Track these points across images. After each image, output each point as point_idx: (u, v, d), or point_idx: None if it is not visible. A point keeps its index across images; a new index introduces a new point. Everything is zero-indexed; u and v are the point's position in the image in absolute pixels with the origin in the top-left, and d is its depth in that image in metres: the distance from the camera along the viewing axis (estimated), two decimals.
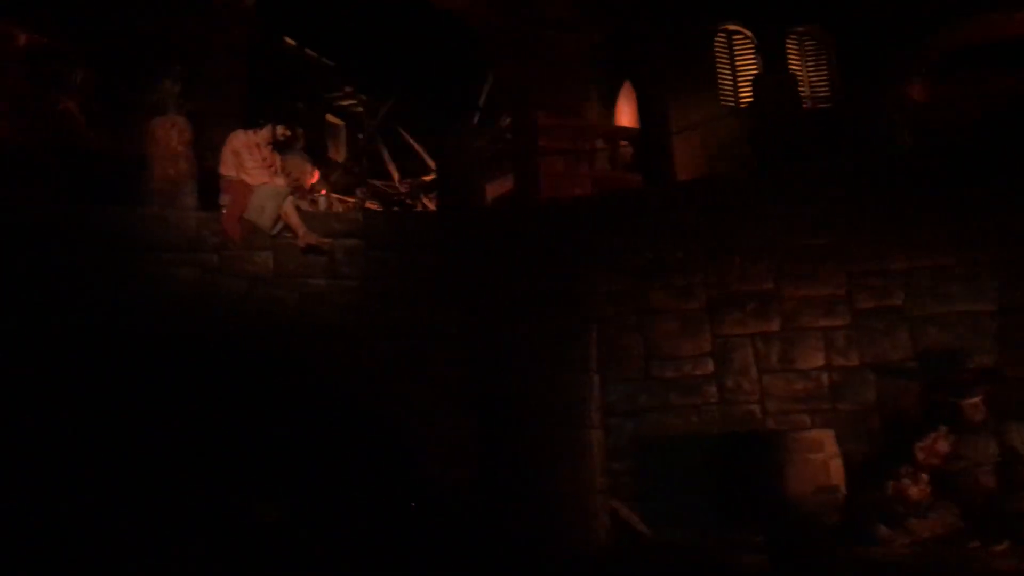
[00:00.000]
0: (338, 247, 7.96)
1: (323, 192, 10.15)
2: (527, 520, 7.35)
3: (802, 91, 11.25)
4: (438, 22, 13.43)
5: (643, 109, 12.21)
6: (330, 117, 15.83)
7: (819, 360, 7.70)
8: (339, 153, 15.65)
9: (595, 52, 12.47)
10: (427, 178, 14.62)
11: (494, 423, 7.83)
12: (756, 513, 7.18)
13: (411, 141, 15.31)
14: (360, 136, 15.26)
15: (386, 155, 15.03)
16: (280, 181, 7.97)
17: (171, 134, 8.05)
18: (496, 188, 12.16)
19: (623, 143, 12.30)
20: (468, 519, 7.47)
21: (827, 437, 7.21)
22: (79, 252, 7.25)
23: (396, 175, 14.90)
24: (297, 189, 8.34)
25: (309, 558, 7.16)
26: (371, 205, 13.23)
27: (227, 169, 7.97)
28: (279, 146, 8.23)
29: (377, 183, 14.61)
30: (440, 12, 12.32)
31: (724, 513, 7.42)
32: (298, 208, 7.98)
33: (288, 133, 8.23)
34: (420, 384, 7.87)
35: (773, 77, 10.56)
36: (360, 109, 15.63)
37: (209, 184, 8.07)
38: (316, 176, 9.49)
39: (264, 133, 8.09)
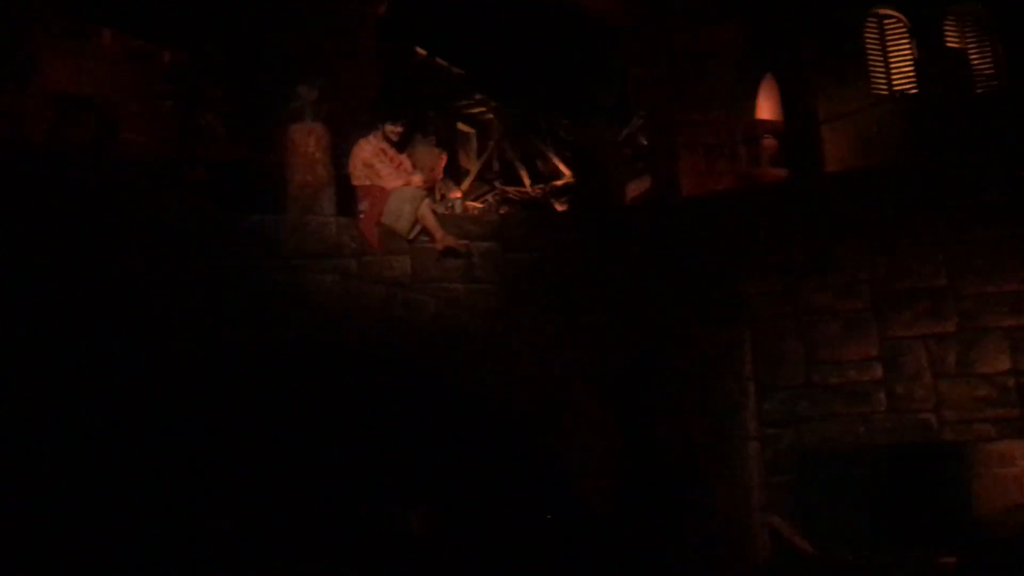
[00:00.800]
0: (474, 250, 7.84)
1: (456, 195, 10.04)
2: (679, 536, 6.97)
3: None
4: (569, 22, 13.21)
5: (787, 102, 11.60)
6: (461, 125, 15.83)
7: (1004, 363, 7.02)
8: (470, 161, 15.62)
9: (733, 46, 11.97)
10: (559, 182, 14.40)
11: (639, 432, 7.47)
12: (935, 531, 6.58)
13: (541, 146, 15.13)
14: (490, 143, 15.18)
15: (516, 160, 14.92)
16: (416, 179, 7.89)
17: (309, 141, 8.07)
18: (634, 188, 11.79)
19: (766, 137, 11.73)
20: (613, 532, 7.12)
21: (1019, 449, 6.61)
22: (223, 260, 7.31)
23: (527, 180, 14.75)
24: (431, 180, 8.20)
25: (453, 571, 6.97)
26: (503, 211, 13.10)
27: (359, 180, 7.95)
28: (400, 143, 8.12)
29: (508, 189, 14.49)
30: (573, 12, 12.08)
31: (892, 531, 6.84)
32: (434, 211, 7.88)
33: (399, 130, 8.10)
34: (559, 390, 7.63)
35: (939, 57, 9.79)
36: (490, 116, 15.57)
37: (346, 190, 8.04)
38: (444, 159, 9.34)
39: (380, 135, 8.01)
